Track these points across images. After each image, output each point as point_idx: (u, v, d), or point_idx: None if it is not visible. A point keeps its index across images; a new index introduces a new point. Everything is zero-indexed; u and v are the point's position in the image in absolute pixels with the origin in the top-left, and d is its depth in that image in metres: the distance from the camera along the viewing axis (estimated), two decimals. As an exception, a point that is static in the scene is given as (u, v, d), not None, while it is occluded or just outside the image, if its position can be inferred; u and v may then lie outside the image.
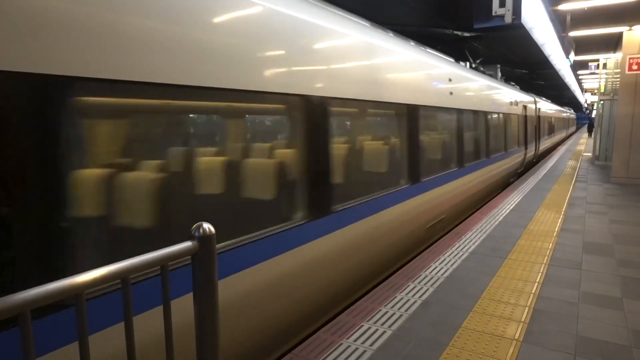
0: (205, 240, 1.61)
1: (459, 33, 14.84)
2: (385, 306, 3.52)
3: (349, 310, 3.44)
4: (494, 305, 3.54)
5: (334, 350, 2.86)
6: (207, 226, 1.61)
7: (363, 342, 2.95)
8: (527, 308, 3.49)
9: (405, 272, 4.32)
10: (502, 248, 5.09)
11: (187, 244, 1.58)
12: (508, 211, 7.10)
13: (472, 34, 14.81)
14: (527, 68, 24.11)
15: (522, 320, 3.29)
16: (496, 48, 17.58)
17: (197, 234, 1.60)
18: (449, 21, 11.54)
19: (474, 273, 4.28)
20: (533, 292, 3.81)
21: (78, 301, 1.27)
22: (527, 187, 9.60)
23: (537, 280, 4.09)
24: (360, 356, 2.78)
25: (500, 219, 6.56)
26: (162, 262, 1.50)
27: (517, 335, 3.06)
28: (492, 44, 16.56)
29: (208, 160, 2.69)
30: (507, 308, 3.49)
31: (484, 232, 5.78)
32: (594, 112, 29.84)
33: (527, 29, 11.39)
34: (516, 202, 7.90)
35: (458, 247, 5.12)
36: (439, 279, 4.13)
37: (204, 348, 1.63)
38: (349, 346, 2.91)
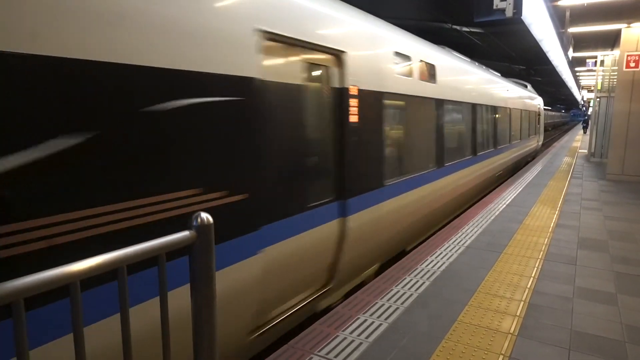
0: (203, 230, 1.58)
1: (458, 27, 14.78)
2: (381, 299, 3.52)
3: (346, 303, 3.44)
4: (490, 299, 3.55)
5: (330, 341, 2.85)
6: (205, 216, 1.59)
7: (359, 335, 2.95)
8: (522, 302, 3.50)
9: (401, 265, 4.33)
10: (498, 242, 5.10)
11: (185, 233, 1.55)
12: (504, 206, 7.11)
13: (471, 29, 14.76)
14: (525, 64, 24.11)
15: (517, 314, 3.30)
16: (494, 43, 17.56)
17: (195, 223, 1.57)
18: (448, 15, 11.48)
19: (470, 267, 4.28)
20: (528, 286, 3.83)
21: (72, 290, 1.24)
22: (523, 183, 9.62)
23: (533, 275, 4.10)
24: (356, 348, 2.78)
25: (496, 213, 6.58)
26: (158, 252, 1.48)
27: (512, 329, 3.07)
28: (490, 39, 16.53)
29: None
30: (503, 302, 3.50)
31: (480, 227, 5.79)
32: (590, 109, 28.92)
33: (527, 24, 11.36)
34: (512, 197, 7.92)
35: (454, 241, 5.13)
36: (435, 272, 4.13)
37: (200, 338, 1.61)
38: (345, 338, 2.90)
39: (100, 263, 1.30)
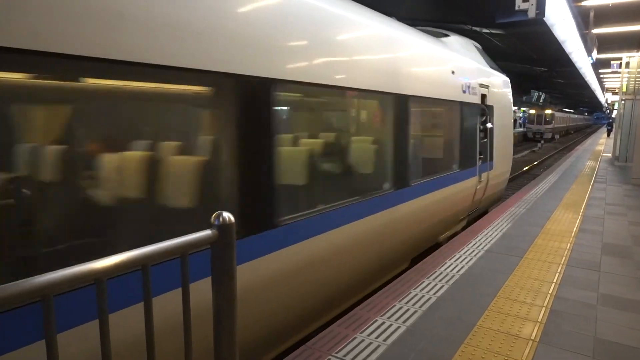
0: (224, 229, 1.60)
1: (478, 29, 14.60)
2: (399, 302, 3.50)
3: (363, 305, 3.43)
4: (510, 305, 3.49)
5: (348, 343, 2.85)
6: (227, 215, 1.61)
7: (377, 337, 2.94)
8: (543, 308, 3.44)
9: (419, 268, 4.29)
10: (519, 247, 5.01)
11: (207, 232, 1.58)
12: (524, 210, 6.99)
13: (492, 30, 14.57)
14: (546, 66, 23.71)
15: (539, 320, 3.24)
16: (515, 45, 17.31)
17: (216, 222, 1.59)
18: (468, 16, 11.34)
19: (489, 271, 4.22)
20: (550, 292, 3.75)
21: (98, 286, 1.27)
22: (545, 186, 9.45)
23: (554, 280, 4.02)
24: (374, 350, 2.77)
25: (516, 217, 6.47)
26: (182, 250, 1.51)
27: (534, 335, 3.02)
28: (511, 41, 16.30)
29: None
30: (523, 307, 3.44)
31: (500, 231, 5.70)
32: (615, 112, 27.90)
33: (549, 25, 11.18)
34: (533, 200, 7.78)
35: (473, 245, 5.06)
36: (454, 276, 4.09)
37: (221, 336, 1.63)
38: (362, 340, 2.90)
39: (125, 260, 1.33)
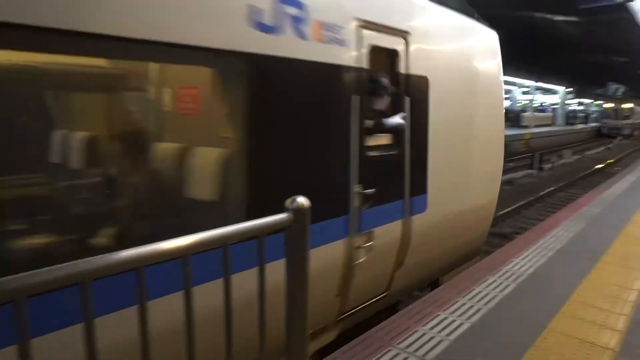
0: (299, 213, 1.62)
1: (551, 17, 13.64)
2: (462, 297, 3.39)
3: (425, 298, 3.37)
4: (584, 310, 3.27)
5: (410, 335, 2.80)
6: (302, 199, 1.62)
7: (440, 331, 2.87)
8: (623, 316, 3.18)
9: (484, 264, 4.13)
10: (594, 249, 4.67)
11: (282, 216, 1.60)
12: (599, 210, 6.50)
13: (567, 18, 13.59)
14: (627, 55, 21.85)
15: (618, 329, 3.00)
16: (592, 33, 16.09)
17: (292, 206, 1.61)
18: (549, 2, 10.55)
19: (560, 273, 3.98)
20: (631, 300, 3.47)
21: (184, 264, 1.33)
22: (623, 185, 8.73)
23: (636, 287, 3.71)
24: (436, 345, 2.70)
25: (590, 218, 6.03)
26: (258, 232, 1.54)
27: (612, 344, 2.80)
28: (587, 28, 15.15)
29: None
30: (600, 314, 3.20)
31: (572, 231, 5.34)
32: None
33: (634, 12, 10.23)
34: (609, 200, 7.21)
35: (542, 244, 4.78)
36: (521, 274, 3.89)
37: (293, 318, 1.65)
38: (424, 333, 2.84)
39: (208, 239, 1.38)
